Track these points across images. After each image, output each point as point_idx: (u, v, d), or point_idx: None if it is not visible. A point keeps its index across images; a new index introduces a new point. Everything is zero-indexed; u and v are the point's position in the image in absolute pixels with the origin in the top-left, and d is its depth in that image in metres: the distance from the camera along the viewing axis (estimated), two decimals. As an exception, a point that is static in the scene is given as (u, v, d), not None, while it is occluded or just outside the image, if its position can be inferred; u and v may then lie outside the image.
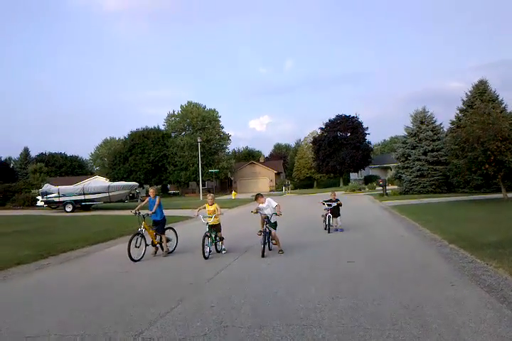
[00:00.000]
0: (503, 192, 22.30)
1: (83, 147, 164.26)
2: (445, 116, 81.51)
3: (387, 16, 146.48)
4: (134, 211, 9.89)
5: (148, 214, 9.87)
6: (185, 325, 4.79)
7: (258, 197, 10.10)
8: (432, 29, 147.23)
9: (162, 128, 62.75)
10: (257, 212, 9.77)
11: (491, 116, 21.67)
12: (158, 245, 9.95)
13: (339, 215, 13.17)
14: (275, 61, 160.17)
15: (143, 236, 9.44)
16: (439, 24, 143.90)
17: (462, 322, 4.54)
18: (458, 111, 33.46)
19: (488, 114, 22.03)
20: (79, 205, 29.71)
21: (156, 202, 9.99)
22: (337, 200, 13.25)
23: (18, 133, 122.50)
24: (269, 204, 9.67)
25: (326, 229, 12.85)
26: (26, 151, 77.60)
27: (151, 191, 10.34)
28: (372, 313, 4.95)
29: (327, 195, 15.93)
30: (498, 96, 32.48)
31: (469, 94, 33.26)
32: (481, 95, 31.93)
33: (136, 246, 9.20)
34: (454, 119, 33.16)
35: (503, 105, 31.67)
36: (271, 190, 61.06)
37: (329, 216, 12.83)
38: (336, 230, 12.92)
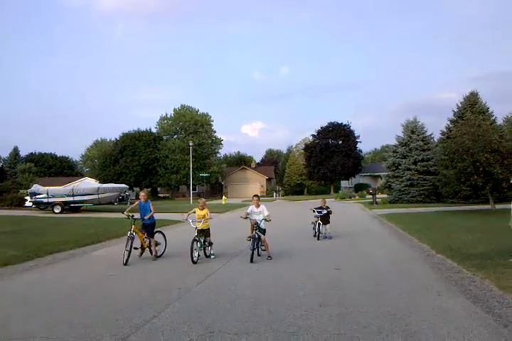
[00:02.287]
0: (491, 204, 22.52)
1: (74, 148, 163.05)
2: (436, 127, 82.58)
3: (382, 27, 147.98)
4: (125, 213, 9.84)
5: (143, 219, 9.84)
6: (171, 330, 4.77)
7: (254, 197, 10.15)
8: (426, 40, 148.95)
9: (154, 130, 62.58)
10: (246, 218, 9.77)
11: (480, 127, 21.94)
12: (146, 248, 9.90)
13: (329, 223, 13.22)
14: (270, 67, 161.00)
15: (133, 239, 9.40)
16: (434, 35, 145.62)
17: (448, 331, 4.57)
18: (449, 122, 33.78)
19: (478, 125, 22.29)
20: (68, 207, 29.46)
21: (152, 210, 9.95)
22: (327, 208, 13.30)
23: (8, 132, 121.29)
24: (262, 211, 9.69)
25: (315, 236, 12.87)
26: (16, 151, 76.85)
27: (142, 194, 10.28)
28: (358, 321, 4.97)
29: (317, 201, 15.99)
30: (488, 108, 32.84)
31: (460, 105, 33.61)
32: (472, 107, 32.26)
33: (126, 250, 9.15)
34: (445, 130, 33.47)
35: (493, 117, 32.05)
36: (261, 196, 61.04)
37: (319, 223, 12.87)
38: (325, 237, 12.95)
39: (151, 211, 9.95)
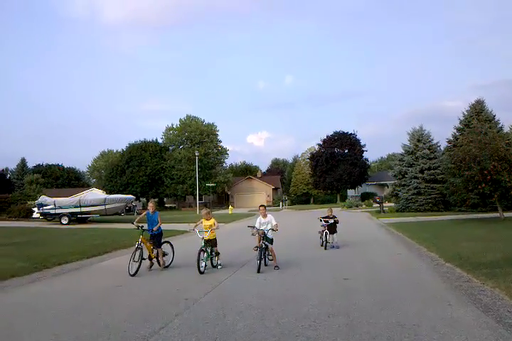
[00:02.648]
0: (500, 212, 22.33)
1: (81, 159, 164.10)
2: (442, 135, 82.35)
3: (387, 36, 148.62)
4: (135, 224, 9.85)
5: (152, 230, 9.85)
6: (179, 341, 4.75)
7: (261, 207, 10.13)
8: (431, 48, 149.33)
9: (160, 141, 62.90)
10: (257, 232, 9.68)
11: (487, 135, 21.86)
12: (154, 259, 9.90)
13: (336, 232, 13.16)
14: (275, 76, 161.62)
15: (141, 250, 9.39)
16: (439, 43, 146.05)
17: (458, 342, 4.52)
18: (455, 130, 33.68)
19: (484, 133, 22.23)
20: (75, 218, 29.54)
21: (159, 221, 9.96)
22: (334, 217, 13.25)
23: (16, 144, 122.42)
24: (269, 221, 9.67)
25: (322, 245, 12.82)
26: (23, 162, 77.37)
27: (151, 205, 10.24)
28: (368, 331, 4.92)
29: (324, 211, 15.94)
30: (494, 116, 32.74)
31: (466, 113, 33.52)
32: (478, 115, 32.18)
33: (134, 261, 9.14)
34: (451, 138, 33.35)
35: (500, 125, 31.93)
36: (267, 206, 60.93)
37: (326, 232, 12.82)
38: (332, 247, 12.89)
39: (158, 222, 9.96)
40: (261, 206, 10.30)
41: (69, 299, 7.12)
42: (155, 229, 9.85)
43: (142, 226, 9.78)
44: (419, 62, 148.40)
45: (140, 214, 10.37)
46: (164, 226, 10.77)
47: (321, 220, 13.26)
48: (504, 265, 8.46)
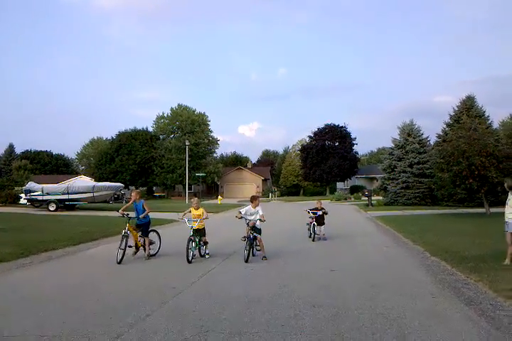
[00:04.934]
0: (486, 207, 22.62)
1: (70, 146, 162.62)
2: (432, 130, 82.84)
3: (380, 30, 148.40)
4: (120, 212, 9.81)
5: (138, 218, 9.81)
6: (165, 329, 4.76)
7: (254, 199, 10.01)
8: (424, 43, 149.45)
9: (151, 129, 62.56)
10: (241, 218, 9.73)
11: (476, 131, 22.06)
12: (140, 247, 9.87)
13: (324, 224, 13.21)
14: (268, 68, 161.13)
15: (127, 238, 9.36)
16: (431, 38, 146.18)
17: (441, 334, 4.58)
18: (445, 126, 33.95)
19: (474, 129, 22.41)
20: (62, 205, 29.34)
21: (146, 209, 9.88)
22: (322, 209, 13.30)
23: (3, 129, 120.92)
24: (258, 211, 9.68)
25: (310, 237, 12.89)
26: (11, 148, 76.55)
27: (133, 194, 10.10)
28: (352, 322, 4.98)
29: (313, 203, 15.99)
30: (484, 112, 33.04)
31: (456, 109, 33.78)
32: (468, 110, 32.42)
33: (121, 248, 9.12)
34: (441, 133, 33.62)
35: (489, 121, 32.26)
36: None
37: (314, 224, 12.87)
38: (320, 238, 12.96)
39: (144, 210, 9.91)
40: (254, 197, 10.21)
41: (55, 285, 7.09)
42: (141, 216, 9.80)
43: (128, 214, 9.74)
44: (411, 57, 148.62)
45: (128, 202, 10.30)
46: (152, 215, 10.74)
47: (309, 212, 13.30)
48: (488, 259, 8.59)
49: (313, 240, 12.68)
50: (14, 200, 34.94)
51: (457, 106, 33.89)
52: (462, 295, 6.24)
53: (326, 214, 13.34)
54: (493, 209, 22.24)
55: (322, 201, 14.80)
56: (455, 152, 21.10)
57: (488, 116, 32.80)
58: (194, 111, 61.68)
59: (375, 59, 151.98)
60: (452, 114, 33.86)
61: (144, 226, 9.93)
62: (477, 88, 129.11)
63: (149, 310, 5.49)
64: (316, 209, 13.31)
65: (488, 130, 25.53)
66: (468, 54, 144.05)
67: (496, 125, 32.70)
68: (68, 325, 4.94)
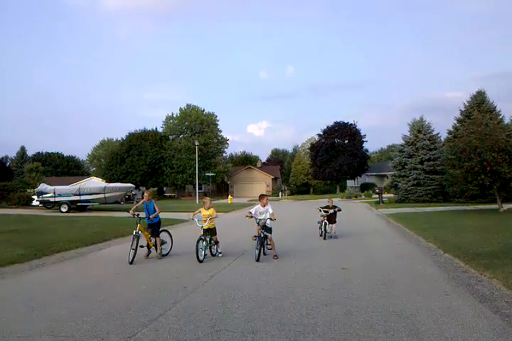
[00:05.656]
0: (499, 203, 22.37)
1: (80, 147, 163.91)
2: (442, 126, 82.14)
3: (390, 26, 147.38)
4: (131, 212, 9.86)
5: (149, 218, 9.85)
6: (178, 329, 4.78)
7: (262, 197, 10.02)
8: (434, 39, 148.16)
9: (160, 130, 62.67)
10: (251, 217, 9.73)
11: (488, 127, 21.79)
12: (152, 247, 9.92)
13: (335, 222, 13.16)
14: (276, 66, 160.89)
15: (138, 238, 9.41)
16: (441, 34, 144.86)
17: (455, 331, 4.54)
18: (455, 121, 33.63)
19: (485, 124, 22.15)
20: (74, 206, 29.58)
21: (157, 210, 9.94)
22: (335, 207, 13.25)
23: (16, 132, 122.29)
24: (267, 210, 9.67)
25: (321, 235, 12.85)
26: (23, 150, 77.41)
27: (146, 195, 10.18)
28: (365, 320, 4.95)
29: (324, 201, 15.96)
30: (495, 107, 32.66)
31: (467, 104, 33.43)
32: (479, 106, 32.08)
33: (132, 249, 9.17)
34: (452, 129, 33.32)
35: (501, 116, 31.86)
36: (267, 196, 61.01)
37: (325, 222, 12.83)
38: (331, 237, 12.91)
39: (155, 210, 9.95)
40: (262, 195, 10.24)
41: (68, 286, 7.15)
42: (152, 217, 9.84)
43: (138, 214, 9.79)
44: (421, 53, 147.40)
45: (138, 202, 10.35)
46: (163, 215, 10.77)
47: (320, 210, 13.26)
48: (502, 256, 8.49)
49: (324, 238, 12.64)
50: (27, 202, 35.26)
51: (468, 102, 33.54)
52: (476, 293, 6.18)
53: (340, 210, 13.29)
54: (505, 205, 22.02)
55: (333, 199, 14.73)
56: (466, 148, 20.89)
57: (500, 111, 32.45)
58: (203, 111, 61.74)
59: (383, 56, 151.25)
60: (463, 109, 33.52)
61: (154, 227, 9.98)
62: (488, 83, 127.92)
63: (162, 310, 5.51)
64: (328, 207, 13.27)
65: (500, 125, 25.19)
66: (478, 49, 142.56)
67: (507, 120, 32.23)
68: (81, 325, 4.98)
